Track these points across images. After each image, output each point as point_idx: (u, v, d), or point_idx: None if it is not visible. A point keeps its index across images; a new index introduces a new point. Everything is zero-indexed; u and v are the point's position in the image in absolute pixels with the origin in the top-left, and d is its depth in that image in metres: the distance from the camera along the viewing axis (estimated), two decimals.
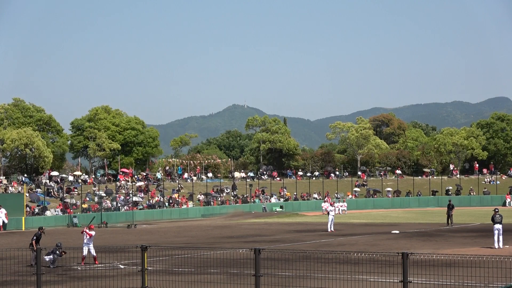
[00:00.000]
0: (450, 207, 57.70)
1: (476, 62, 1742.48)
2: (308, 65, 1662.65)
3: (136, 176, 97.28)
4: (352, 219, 70.84)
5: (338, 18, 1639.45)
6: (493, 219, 37.94)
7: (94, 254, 32.88)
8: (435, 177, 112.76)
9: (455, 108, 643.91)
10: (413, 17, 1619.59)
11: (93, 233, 33.45)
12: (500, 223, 37.44)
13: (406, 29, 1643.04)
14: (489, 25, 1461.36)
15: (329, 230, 52.95)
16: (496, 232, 37.27)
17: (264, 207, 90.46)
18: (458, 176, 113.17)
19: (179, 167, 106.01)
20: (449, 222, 57.13)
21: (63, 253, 32.14)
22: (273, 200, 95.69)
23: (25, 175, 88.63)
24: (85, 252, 32.96)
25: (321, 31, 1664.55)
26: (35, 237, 32.96)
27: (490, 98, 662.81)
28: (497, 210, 39.15)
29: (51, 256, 31.61)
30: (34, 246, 31.61)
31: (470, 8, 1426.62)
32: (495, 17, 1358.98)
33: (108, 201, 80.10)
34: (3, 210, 64.68)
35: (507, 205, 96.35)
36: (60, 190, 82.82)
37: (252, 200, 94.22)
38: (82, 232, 33.93)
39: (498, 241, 37.21)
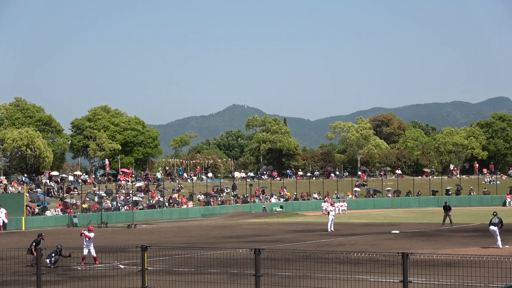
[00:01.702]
0: (447, 208, 57.64)
1: (476, 62, 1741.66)
2: (308, 65, 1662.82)
3: (136, 176, 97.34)
4: (352, 219, 70.85)
5: (338, 18, 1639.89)
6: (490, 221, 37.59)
7: (94, 254, 32.86)
8: (435, 177, 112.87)
9: (455, 108, 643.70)
10: (413, 17, 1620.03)
11: (91, 235, 33.39)
12: (495, 225, 36.97)
13: (406, 29, 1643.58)
14: (489, 25, 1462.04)
15: (329, 230, 52.94)
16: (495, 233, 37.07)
17: (264, 207, 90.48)
18: (458, 176, 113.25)
19: (181, 168, 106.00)
20: (444, 222, 57.12)
21: (70, 256, 32.15)
22: (273, 200, 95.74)
23: (25, 175, 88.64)
24: (85, 252, 32.97)
25: (321, 31, 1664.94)
26: (34, 243, 32.86)
27: (490, 98, 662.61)
28: (495, 213, 38.66)
29: (52, 259, 31.62)
30: (34, 253, 31.38)
31: (470, 8, 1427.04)
32: (495, 17, 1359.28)
33: (108, 201, 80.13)
34: (3, 210, 64.70)
35: (507, 205, 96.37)
36: (60, 190, 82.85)
37: (252, 200, 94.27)
38: (80, 235, 33.96)
39: (497, 241, 37.06)
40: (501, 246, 36.68)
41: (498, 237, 37.05)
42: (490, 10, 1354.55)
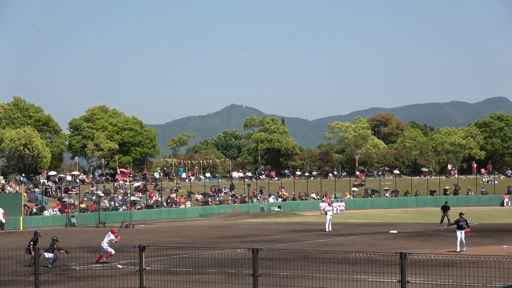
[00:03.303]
0: (446, 208, 57.60)
1: (475, 62, 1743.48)
2: (307, 65, 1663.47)
3: (134, 176, 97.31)
4: (350, 219, 70.86)
5: (338, 18, 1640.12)
6: (457, 223, 36.44)
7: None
8: (433, 177, 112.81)
9: (453, 108, 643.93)
10: (413, 17, 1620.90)
11: (113, 238, 33.82)
12: (462, 228, 36.28)
13: (405, 29, 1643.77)
14: (488, 25, 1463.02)
15: (327, 230, 52.97)
16: (458, 236, 35.96)
17: (262, 207, 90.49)
18: (456, 176, 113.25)
19: (181, 168, 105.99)
20: (442, 221, 57.10)
21: (66, 252, 32.09)
22: (271, 200, 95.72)
23: (23, 174, 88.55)
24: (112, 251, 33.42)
25: (320, 31, 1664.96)
26: (32, 242, 32.82)
27: (489, 98, 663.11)
28: (462, 214, 37.71)
29: (52, 255, 31.62)
30: (32, 252, 31.33)
31: (470, 8, 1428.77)
32: (495, 17, 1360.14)
33: (106, 201, 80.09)
34: (1, 210, 64.72)
35: (505, 205, 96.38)
36: (58, 190, 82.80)
37: (250, 200, 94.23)
38: (112, 232, 34.30)
39: (461, 245, 35.88)
40: (458, 250, 35.59)
41: (463, 241, 36.11)
42: (490, 10, 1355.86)
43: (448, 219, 56.73)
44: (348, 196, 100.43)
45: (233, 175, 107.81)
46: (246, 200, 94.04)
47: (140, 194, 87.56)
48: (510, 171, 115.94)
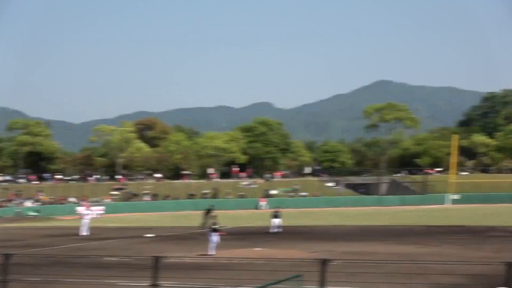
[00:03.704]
0: (208, 212, 58.92)
1: (240, 66, 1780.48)
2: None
3: None
4: (108, 223, 70.56)
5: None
6: (211, 226, 37.28)
7: None
8: (194, 181, 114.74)
9: (219, 113, 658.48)
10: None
11: None
12: (216, 231, 36.73)
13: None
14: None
15: (83, 234, 52.60)
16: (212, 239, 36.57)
17: (19, 211, 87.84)
18: (216, 179, 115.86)
19: None
20: (203, 224, 58.47)
21: None
22: (28, 204, 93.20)
23: None
24: None
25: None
26: None
27: (254, 103, 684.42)
28: (215, 216, 38.67)
29: None
30: None
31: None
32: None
33: None
34: None
35: (258, 208, 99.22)
36: None
37: (6, 204, 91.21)
38: None
39: (214, 248, 36.45)
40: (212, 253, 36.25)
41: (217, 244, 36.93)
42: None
43: (205, 222, 58.04)
44: (108, 200, 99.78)
45: None
46: (1, 204, 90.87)
47: None
48: (269, 175, 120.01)
